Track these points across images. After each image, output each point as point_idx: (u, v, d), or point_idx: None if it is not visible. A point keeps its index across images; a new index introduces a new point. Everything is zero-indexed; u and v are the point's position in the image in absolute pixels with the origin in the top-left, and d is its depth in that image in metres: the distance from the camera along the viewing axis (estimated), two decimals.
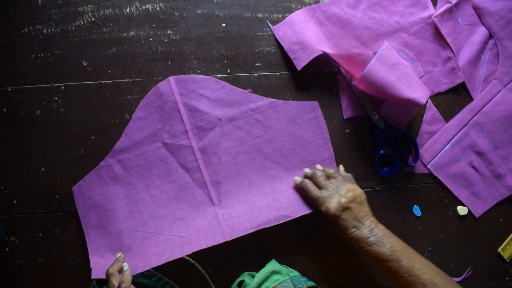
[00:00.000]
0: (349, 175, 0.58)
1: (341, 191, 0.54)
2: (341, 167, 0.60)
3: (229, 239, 0.57)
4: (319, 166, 0.59)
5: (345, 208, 0.52)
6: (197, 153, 0.59)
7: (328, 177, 0.57)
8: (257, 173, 0.60)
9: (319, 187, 0.56)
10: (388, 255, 0.50)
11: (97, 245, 0.58)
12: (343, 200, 0.53)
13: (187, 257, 0.59)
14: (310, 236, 0.63)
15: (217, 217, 0.59)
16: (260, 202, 0.59)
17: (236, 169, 0.60)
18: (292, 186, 0.60)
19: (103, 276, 0.53)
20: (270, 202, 0.59)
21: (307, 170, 0.60)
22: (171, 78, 0.58)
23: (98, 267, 0.56)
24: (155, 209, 0.59)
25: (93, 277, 0.54)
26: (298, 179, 0.59)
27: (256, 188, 0.60)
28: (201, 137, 0.59)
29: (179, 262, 0.60)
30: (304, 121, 0.61)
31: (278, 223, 0.57)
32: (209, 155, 0.59)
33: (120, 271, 0.54)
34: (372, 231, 0.52)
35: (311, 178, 0.58)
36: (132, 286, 0.51)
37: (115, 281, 0.51)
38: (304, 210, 0.58)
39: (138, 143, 0.58)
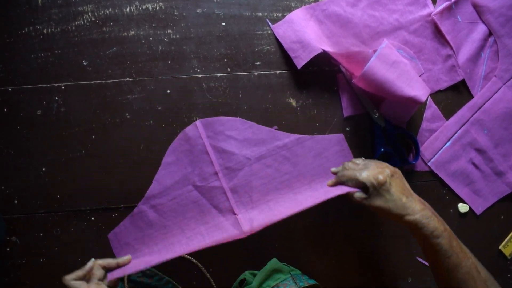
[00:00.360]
0: (375, 160, 0.55)
1: (378, 165, 0.51)
2: (362, 158, 0.58)
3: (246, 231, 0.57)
4: (334, 169, 0.58)
5: (396, 173, 0.50)
6: (228, 193, 0.59)
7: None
8: (288, 207, 0.58)
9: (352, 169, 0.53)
10: (442, 231, 0.47)
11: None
12: (387, 170, 0.49)
13: (189, 256, 0.59)
14: (311, 235, 0.63)
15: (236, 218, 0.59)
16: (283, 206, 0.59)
17: (268, 206, 0.60)
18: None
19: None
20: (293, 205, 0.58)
21: (334, 169, 0.58)
22: (198, 122, 0.59)
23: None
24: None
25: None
26: (329, 182, 0.56)
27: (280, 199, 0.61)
28: (231, 178, 0.60)
29: (180, 262, 0.60)
30: (330, 154, 0.62)
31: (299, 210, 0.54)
32: (240, 194, 0.60)
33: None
34: (424, 203, 0.51)
35: (343, 168, 0.55)
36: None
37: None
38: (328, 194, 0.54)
39: (169, 188, 0.59)
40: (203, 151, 0.59)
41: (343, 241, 0.63)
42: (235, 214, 0.59)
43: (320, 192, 0.57)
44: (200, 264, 0.60)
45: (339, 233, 0.63)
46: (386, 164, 0.52)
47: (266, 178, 0.60)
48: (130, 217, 0.59)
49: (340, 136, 0.62)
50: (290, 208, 0.55)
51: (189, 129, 0.59)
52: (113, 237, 0.59)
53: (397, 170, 0.52)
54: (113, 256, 0.58)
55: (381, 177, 0.48)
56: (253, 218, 0.58)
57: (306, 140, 0.61)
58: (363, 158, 0.58)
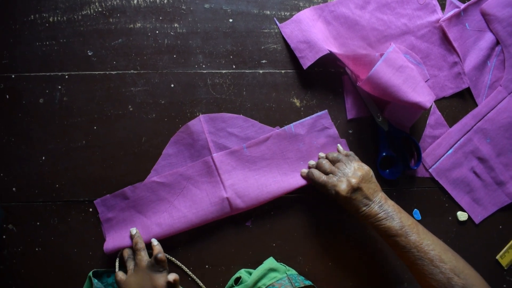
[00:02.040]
0: (351, 153, 0.59)
1: (349, 173, 0.54)
2: (340, 147, 0.61)
3: (233, 207, 0.58)
4: (321, 154, 0.60)
5: (355, 189, 0.52)
6: (223, 178, 0.59)
7: (333, 162, 0.57)
8: (272, 169, 0.61)
9: (326, 173, 0.56)
10: (397, 230, 0.51)
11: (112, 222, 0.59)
12: (353, 181, 0.53)
13: (173, 258, 0.59)
14: (308, 236, 0.63)
15: (225, 192, 0.59)
16: (269, 181, 0.60)
17: (258, 188, 0.60)
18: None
19: (115, 246, 0.56)
20: (279, 181, 0.60)
21: (311, 162, 0.60)
22: (202, 117, 0.59)
23: (111, 240, 0.58)
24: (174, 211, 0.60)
25: (105, 248, 0.56)
26: (304, 171, 0.60)
27: (267, 175, 0.61)
28: (229, 172, 0.60)
29: (172, 261, 0.60)
30: (315, 132, 0.62)
31: (287, 190, 0.59)
32: (234, 181, 0.60)
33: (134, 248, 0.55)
34: (382, 207, 0.52)
35: (317, 167, 0.58)
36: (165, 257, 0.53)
37: (143, 254, 0.54)
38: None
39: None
40: (205, 147, 0.59)
41: (340, 244, 0.63)
42: (224, 189, 0.59)
43: (294, 179, 0.60)
44: (184, 266, 0.60)
45: (337, 236, 0.63)
46: (357, 167, 0.55)
47: (259, 165, 0.61)
48: (121, 191, 0.59)
49: (324, 113, 0.62)
50: (276, 188, 0.59)
51: (192, 123, 0.59)
52: (100, 203, 0.58)
53: (366, 173, 0.54)
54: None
55: (343, 194, 0.52)
56: (242, 196, 0.59)
57: (298, 126, 0.61)
58: (339, 146, 0.61)
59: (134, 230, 0.57)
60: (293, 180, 0.60)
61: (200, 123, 0.59)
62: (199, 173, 0.59)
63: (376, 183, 0.55)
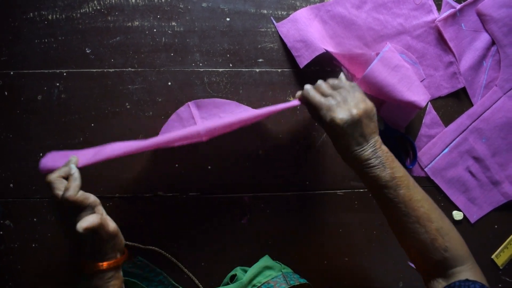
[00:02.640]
0: (354, 84, 0.51)
1: (350, 102, 0.47)
2: (343, 76, 0.53)
3: (202, 131, 0.50)
4: (320, 81, 0.52)
5: (354, 122, 0.45)
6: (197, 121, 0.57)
7: (333, 88, 0.50)
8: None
9: (323, 95, 0.49)
10: (387, 181, 0.45)
11: None
12: (354, 111, 0.45)
13: (168, 255, 0.59)
14: (303, 234, 0.63)
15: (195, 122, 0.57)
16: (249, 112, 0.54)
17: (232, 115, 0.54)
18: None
19: (52, 165, 0.44)
20: (262, 110, 0.53)
21: (308, 85, 0.51)
22: (191, 103, 0.58)
23: (50, 157, 0.46)
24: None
25: (41, 166, 0.44)
26: (299, 92, 0.52)
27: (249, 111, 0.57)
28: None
29: (168, 258, 0.60)
30: None
31: (260, 114, 0.51)
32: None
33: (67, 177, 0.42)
34: (376, 152, 0.46)
35: (315, 88, 0.51)
36: (83, 194, 0.40)
37: (58, 191, 0.40)
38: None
39: None
40: None
41: (336, 243, 0.63)
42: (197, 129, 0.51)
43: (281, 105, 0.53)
44: (180, 264, 0.60)
45: (333, 235, 0.63)
46: (361, 98, 0.48)
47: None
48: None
49: None
50: (259, 112, 0.52)
51: (181, 110, 0.59)
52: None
53: (369, 108, 0.47)
54: None
55: (339, 122, 0.45)
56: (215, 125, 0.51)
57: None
58: (342, 75, 0.53)
59: (72, 157, 0.44)
60: (280, 106, 0.52)
61: (189, 109, 0.58)
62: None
63: (376, 124, 0.48)
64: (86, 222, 0.39)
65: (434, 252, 0.44)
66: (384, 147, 0.47)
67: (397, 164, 0.47)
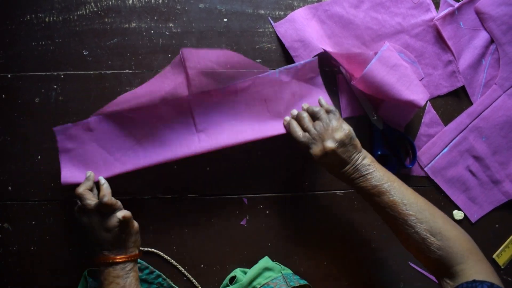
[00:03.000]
0: (333, 108, 0.54)
1: (326, 135, 0.51)
2: (322, 100, 0.58)
3: (204, 146, 0.56)
4: (304, 106, 0.57)
5: (329, 154, 0.50)
6: (195, 113, 0.57)
7: (312, 116, 0.54)
8: (251, 116, 0.59)
9: (303, 129, 0.54)
10: (370, 190, 0.49)
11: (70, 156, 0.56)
12: (328, 145, 0.50)
13: (168, 257, 0.59)
14: (303, 236, 0.63)
15: (196, 134, 0.57)
16: (245, 128, 0.58)
17: (231, 129, 0.57)
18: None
19: (73, 181, 0.54)
20: (256, 129, 0.58)
21: (294, 112, 0.58)
22: (184, 49, 0.54)
23: (68, 173, 0.55)
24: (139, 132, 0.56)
25: (62, 180, 0.54)
26: (287, 118, 0.57)
27: (244, 121, 0.58)
28: (203, 113, 0.57)
29: (167, 260, 0.60)
30: (303, 81, 0.60)
31: (257, 136, 0.56)
32: (207, 116, 0.57)
33: (92, 189, 0.53)
34: (357, 168, 0.50)
35: (297, 119, 0.56)
36: (114, 200, 0.50)
37: (89, 200, 0.50)
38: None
39: (140, 97, 0.55)
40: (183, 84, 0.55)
41: (336, 244, 0.63)
42: (197, 132, 0.57)
43: (273, 128, 0.58)
44: (179, 266, 0.60)
45: (333, 236, 0.63)
46: (336, 127, 0.51)
47: (238, 110, 0.58)
48: (86, 122, 0.55)
49: (314, 60, 0.59)
50: (252, 135, 0.57)
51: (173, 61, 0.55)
52: (60, 131, 0.54)
53: (345, 135, 0.51)
54: None
55: (316, 156, 0.51)
56: (214, 139, 0.56)
57: (283, 72, 0.58)
58: (321, 99, 0.58)
59: (88, 173, 0.54)
60: (272, 129, 0.57)
61: (179, 56, 0.54)
62: (172, 113, 0.56)
63: (356, 144, 0.52)
64: (123, 212, 0.50)
65: (429, 251, 0.46)
66: (365, 161, 0.51)
67: (378, 173, 0.50)
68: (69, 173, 0.55)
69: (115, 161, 0.56)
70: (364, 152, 0.52)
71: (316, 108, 0.54)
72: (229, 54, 0.56)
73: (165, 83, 0.55)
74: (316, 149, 0.51)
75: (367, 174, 0.50)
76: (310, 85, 0.61)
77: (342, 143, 0.50)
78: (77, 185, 0.53)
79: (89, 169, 0.55)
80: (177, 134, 0.57)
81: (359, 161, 0.51)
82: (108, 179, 0.54)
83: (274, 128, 0.58)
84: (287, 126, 0.56)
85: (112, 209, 0.50)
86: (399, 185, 0.50)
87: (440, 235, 0.46)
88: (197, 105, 0.57)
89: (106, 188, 0.52)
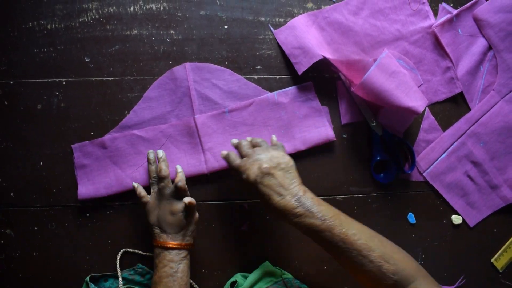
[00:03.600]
0: (279, 144, 0.54)
1: (263, 158, 0.49)
2: (274, 137, 0.58)
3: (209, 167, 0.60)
4: (249, 138, 0.55)
5: (266, 174, 0.48)
6: (201, 133, 0.60)
7: (255, 146, 0.53)
8: (252, 136, 0.61)
9: (242, 156, 0.52)
10: (319, 225, 0.46)
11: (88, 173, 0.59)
12: (264, 165, 0.48)
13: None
14: (304, 240, 0.63)
15: (202, 153, 0.60)
16: None
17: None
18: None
19: (88, 195, 0.58)
20: None
21: (234, 141, 0.55)
22: (187, 64, 0.60)
23: (84, 189, 0.59)
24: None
25: (79, 197, 0.58)
26: (224, 152, 0.54)
27: None
28: (209, 133, 0.61)
29: None
30: (298, 103, 0.62)
31: None
32: (211, 137, 0.60)
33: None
34: (300, 200, 0.47)
35: (237, 148, 0.54)
36: (186, 186, 0.53)
37: (166, 182, 0.54)
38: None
39: (145, 122, 0.60)
40: (186, 94, 0.60)
41: None
42: (203, 151, 0.60)
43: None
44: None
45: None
46: (276, 155, 0.50)
47: (240, 130, 0.61)
48: (101, 140, 0.59)
49: (309, 84, 0.62)
50: None
51: (177, 69, 0.60)
52: (78, 148, 0.59)
53: (283, 162, 0.49)
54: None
55: (252, 177, 0.48)
56: (220, 160, 0.60)
57: (282, 94, 0.62)
58: (273, 136, 0.57)
59: (160, 153, 0.56)
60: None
61: (185, 70, 0.60)
62: (180, 133, 0.60)
63: (297, 176, 0.49)
64: (189, 199, 0.52)
65: (385, 278, 0.45)
66: (309, 194, 0.48)
67: (325, 206, 0.48)
68: (84, 189, 0.58)
69: (126, 177, 0.59)
70: (306, 188, 0.49)
71: (259, 139, 0.54)
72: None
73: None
74: (253, 170, 0.48)
75: (312, 207, 0.46)
76: (308, 107, 0.62)
77: (281, 168, 0.49)
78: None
79: (102, 184, 0.59)
80: (185, 153, 0.60)
81: (300, 192, 0.47)
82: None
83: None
84: (225, 157, 0.54)
85: (183, 194, 0.53)
86: (345, 216, 0.48)
87: (393, 259, 0.45)
88: (202, 125, 0.60)
89: (181, 175, 0.55)
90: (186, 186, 0.54)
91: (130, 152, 0.59)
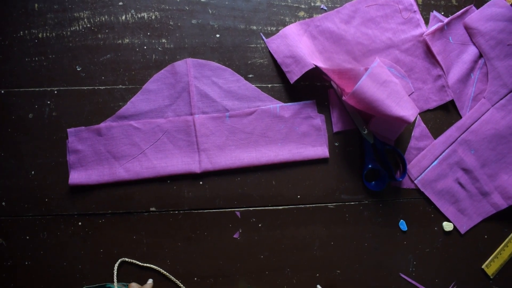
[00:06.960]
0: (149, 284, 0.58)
1: None
2: (150, 281, 0.59)
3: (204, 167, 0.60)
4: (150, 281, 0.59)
5: None
6: (198, 133, 0.60)
7: None
8: (249, 144, 0.62)
9: None
10: None
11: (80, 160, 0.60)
12: None
13: (162, 270, 0.60)
14: (296, 248, 0.63)
15: (197, 153, 0.61)
16: (243, 155, 0.62)
17: (231, 156, 0.61)
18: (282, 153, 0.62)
19: (79, 182, 0.58)
20: (252, 157, 0.62)
21: None
22: (189, 60, 0.60)
23: (76, 174, 0.59)
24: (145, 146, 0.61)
25: (70, 182, 0.58)
26: None
27: (243, 148, 0.62)
28: (206, 135, 0.61)
29: (162, 273, 0.60)
30: (299, 119, 0.63)
31: (253, 163, 0.61)
32: (208, 138, 0.61)
33: None
34: None
35: None
36: None
37: None
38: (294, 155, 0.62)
39: (143, 114, 0.60)
40: (185, 89, 0.60)
41: (328, 256, 0.64)
42: (199, 151, 0.60)
43: (266, 156, 0.62)
44: (173, 277, 0.60)
45: (325, 248, 0.64)
46: None
47: (238, 136, 0.62)
48: (97, 128, 0.59)
49: (312, 102, 0.63)
50: (247, 162, 0.61)
51: (178, 64, 0.60)
52: (73, 133, 0.59)
53: None
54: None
55: None
56: (214, 163, 0.60)
57: (284, 108, 0.62)
58: (150, 280, 0.59)
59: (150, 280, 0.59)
60: (264, 158, 0.61)
61: (186, 65, 0.60)
62: (177, 129, 0.60)
63: None
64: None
65: None
66: None
67: None
68: (76, 174, 0.58)
69: (119, 166, 0.59)
70: None
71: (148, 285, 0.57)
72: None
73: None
74: None
75: None
76: (308, 125, 0.63)
77: None
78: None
79: (95, 172, 0.59)
80: (180, 150, 0.60)
81: None
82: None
83: (269, 157, 0.61)
84: None
85: None
86: None
87: None
88: (201, 125, 0.60)
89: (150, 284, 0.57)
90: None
91: (125, 142, 0.59)
